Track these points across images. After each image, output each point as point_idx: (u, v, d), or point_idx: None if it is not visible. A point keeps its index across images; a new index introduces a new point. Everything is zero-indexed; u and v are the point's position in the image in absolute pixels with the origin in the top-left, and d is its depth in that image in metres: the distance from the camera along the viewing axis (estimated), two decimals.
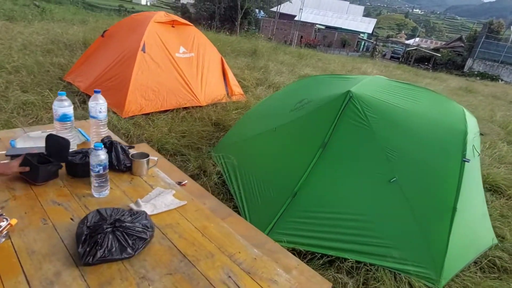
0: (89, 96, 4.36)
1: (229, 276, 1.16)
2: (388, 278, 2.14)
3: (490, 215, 3.09)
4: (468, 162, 2.23)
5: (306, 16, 43.73)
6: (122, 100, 4.12)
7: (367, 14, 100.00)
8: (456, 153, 2.28)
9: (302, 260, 2.25)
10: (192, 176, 3.08)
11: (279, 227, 2.38)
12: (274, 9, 43.30)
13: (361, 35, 41.09)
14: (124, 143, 2.12)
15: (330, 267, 2.25)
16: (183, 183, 2.26)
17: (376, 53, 38.17)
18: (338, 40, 38.89)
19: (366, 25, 42.58)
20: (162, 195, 1.56)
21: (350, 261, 2.23)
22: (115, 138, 2.25)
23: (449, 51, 32.09)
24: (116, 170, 1.69)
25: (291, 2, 42.86)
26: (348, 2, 49.98)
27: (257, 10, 49.05)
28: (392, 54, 40.03)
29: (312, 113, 2.80)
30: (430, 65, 30.95)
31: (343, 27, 41.92)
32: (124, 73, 4.27)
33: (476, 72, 25.75)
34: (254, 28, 40.38)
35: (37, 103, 3.93)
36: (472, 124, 2.61)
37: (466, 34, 36.59)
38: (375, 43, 37.45)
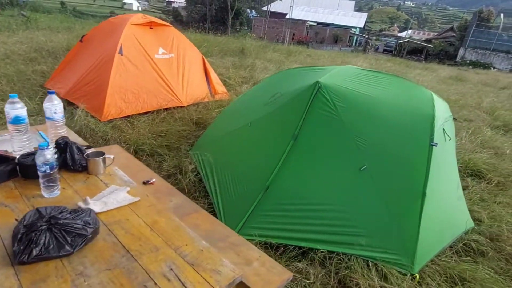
0: (69, 102, 4.35)
1: (171, 269, 1.14)
2: (361, 266, 2.13)
3: (470, 199, 3.09)
4: (435, 146, 2.21)
5: (297, 13, 43.79)
6: (101, 103, 4.10)
7: (358, 9, 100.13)
8: (424, 138, 2.27)
9: (275, 253, 2.25)
10: (168, 175, 3.07)
11: (252, 221, 2.36)
12: (265, 8, 43.42)
13: (353, 30, 41.11)
14: (85, 144, 2.11)
15: (304, 259, 2.23)
16: (151, 181, 2.25)
17: (369, 47, 38.25)
18: (330, 36, 38.90)
19: (358, 20, 42.63)
20: (115, 192, 1.54)
21: (323, 252, 2.22)
22: (79, 140, 2.24)
23: (441, 42, 32.15)
24: (71, 170, 1.67)
25: (281, 0, 42.93)
26: None
27: (248, 10, 49.16)
28: (385, 48, 40.09)
29: (283, 106, 2.79)
30: (422, 56, 30.98)
31: (334, 22, 41.97)
32: (102, 76, 4.25)
33: (468, 61, 25.79)
34: (246, 28, 40.43)
35: None
36: (442, 109, 2.60)
37: (457, 24, 36.65)
38: (367, 37, 37.48)
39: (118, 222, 1.35)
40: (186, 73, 5.03)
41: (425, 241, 2.22)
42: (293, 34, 38.34)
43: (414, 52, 33.45)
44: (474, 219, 2.74)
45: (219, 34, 16.52)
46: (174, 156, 3.27)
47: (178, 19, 44.09)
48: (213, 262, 1.20)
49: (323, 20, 42.93)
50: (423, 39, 39.82)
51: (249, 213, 2.38)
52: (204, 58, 5.43)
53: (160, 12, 69.45)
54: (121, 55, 4.34)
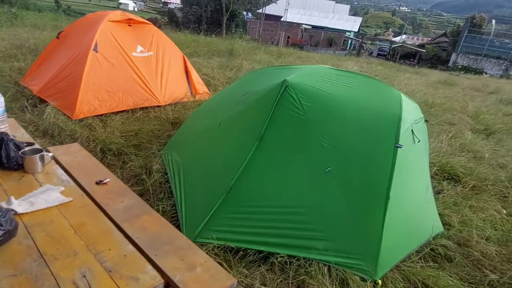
0: (42, 100, 4.23)
1: (84, 276, 1.05)
2: (321, 272, 2.05)
3: (444, 203, 3.03)
4: (400, 148, 2.15)
5: (292, 16, 43.89)
6: (73, 101, 3.98)
7: (354, 13, 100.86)
8: (390, 139, 2.20)
9: (234, 257, 2.15)
10: (135, 176, 2.97)
11: (213, 223, 2.27)
12: (261, 10, 43.49)
13: (347, 33, 41.29)
14: (32, 141, 2.01)
15: (264, 263, 2.15)
16: (105, 181, 2.14)
17: (363, 51, 38.44)
18: (325, 39, 39.04)
19: (352, 24, 42.86)
20: (47, 192, 1.45)
21: (284, 256, 2.13)
22: (26, 137, 2.13)
23: (434, 47, 32.40)
24: (6, 168, 1.57)
25: (276, 3, 43.00)
26: (334, 2, 50.28)
27: (244, 13, 49.25)
28: (379, 52, 40.33)
29: (251, 106, 2.71)
30: (415, 61, 31.20)
31: (329, 26, 42.13)
32: (75, 74, 4.13)
33: (460, 66, 26.00)
34: (241, 30, 40.44)
35: None
36: (411, 110, 2.54)
37: (450, 29, 37.03)
38: (361, 41, 37.67)
39: (41, 224, 1.26)
40: (165, 72, 4.93)
41: (389, 246, 2.15)
42: (288, 37, 38.44)
43: (407, 56, 33.70)
44: (444, 224, 2.67)
45: (213, 35, 16.43)
46: (142, 156, 3.17)
47: (173, 20, 43.97)
48: (134, 269, 1.12)
49: (318, 24, 43.08)
50: (417, 44, 40.16)
51: (210, 215, 2.28)
52: (185, 57, 5.34)
53: (156, 12, 69.35)
54: (96, 52, 4.23)
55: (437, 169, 3.63)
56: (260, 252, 2.19)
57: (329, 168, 2.24)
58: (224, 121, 2.92)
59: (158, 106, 4.61)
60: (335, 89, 2.49)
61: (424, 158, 2.76)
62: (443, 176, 3.58)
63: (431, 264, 2.30)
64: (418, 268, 2.22)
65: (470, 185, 3.41)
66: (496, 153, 4.37)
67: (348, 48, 41.04)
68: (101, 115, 4.11)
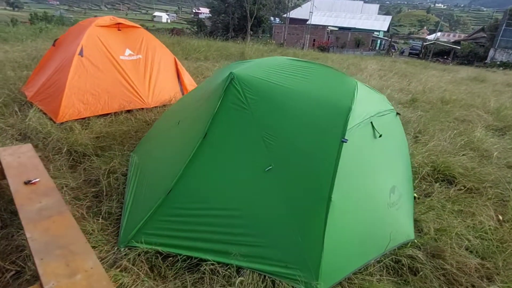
0: (32, 105, 4.36)
1: None
2: (255, 282, 1.83)
3: (429, 207, 2.67)
4: (345, 142, 1.88)
5: (318, 19, 43.38)
6: (58, 105, 4.06)
7: (386, 13, 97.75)
8: (336, 133, 1.93)
9: (163, 263, 2.01)
10: (97, 177, 2.90)
11: (149, 227, 2.13)
12: (286, 15, 43.40)
13: (376, 33, 39.95)
14: None
15: (197, 271, 1.96)
16: (33, 181, 2.09)
17: (393, 50, 36.93)
18: (352, 40, 38.05)
19: (381, 23, 41.44)
20: None
21: (215, 264, 1.94)
22: None
23: (470, 43, 30.39)
24: None
25: (301, 6, 42.70)
26: (362, 2, 48.97)
27: (272, 18, 49.47)
28: (411, 51, 38.55)
29: (204, 102, 2.56)
30: (449, 58, 29.39)
31: (356, 27, 41.06)
32: (62, 79, 4.22)
33: (498, 62, 24.07)
34: (268, 35, 40.57)
35: None
36: (370, 101, 2.24)
37: (488, 24, 34.57)
38: (390, 40, 36.22)
39: None
40: (154, 74, 4.92)
41: (336, 255, 1.89)
42: (314, 40, 37.95)
43: (441, 54, 31.85)
44: (420, 231, 2.33)
45: (238, 41, 16.45)
46: (109, 158, 3.12)
47: (202, 29, 45.15)
48: None
49: (344, 25, 42.16)
50: (452, 41, 37.88)
51: (146, 218, 2.14)
52: (177, 59, 5.31)
53: (186, 23, 71.57)
54: (82, 56, 4.30)
55: (430, 170, 3.23)
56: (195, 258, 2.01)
57: (270, 167, 2.02)
58: (182, 120, 2.80)
59: (143, 108, 4.60)
60: (285, 81, 2.26)
61: (395, 155, 2.43)
62: (437, 177, 3.18)
63: (392, 277, 1.99)
64: (374, 281, 1.92)
65: (466, 188, 2.99)
66: (508, 151, 3.84)
67: (377, 48, 39.67)
68: (85, 118, 4.15)
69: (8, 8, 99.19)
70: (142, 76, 4.81)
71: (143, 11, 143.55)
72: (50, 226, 1.71)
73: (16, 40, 9.88)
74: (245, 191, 2.06)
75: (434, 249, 2.15)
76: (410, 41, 50.48)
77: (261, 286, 1.83)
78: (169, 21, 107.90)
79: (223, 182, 2.14)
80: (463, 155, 3.56)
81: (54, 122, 3.96)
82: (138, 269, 1.97)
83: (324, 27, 39.21)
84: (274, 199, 1.98)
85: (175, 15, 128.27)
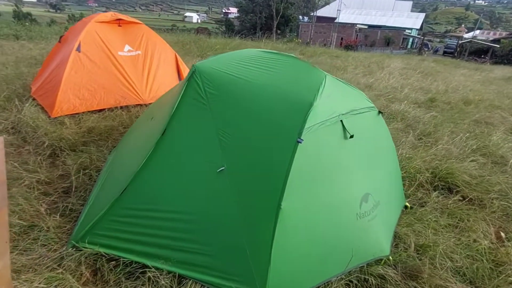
0: (33, 100, 4.45)
1: None
2: None
3: (418, 220, 2.36)
4: (300, 143, 1.65)
5: (347, 17, 42.26)
6: (54, 100, 4.10)
7: (421, 10, 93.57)
8: (293, 132, 1.71)
9: (108, 266, 1.89)
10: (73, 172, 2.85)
11: (99, 227, 2.02)
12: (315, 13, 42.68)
13: (408, 31, 38.21)
14: None
15: (138, 278, 1.82)
16: None
17: (425, 49, 35.11)
18: (382, 38, 36.63)
19: (414, 21, 39.58)
20: None
21: (161, 271, 1.79)
22: None
23: (511, 41, 28.21)
24: None
25: (329, 5, 41.75)
26: None
27: (300, 17, 48.94)
28: (445, 49, 36.52)
29: (172, 96, 2.42)
30: (486, 57, 27.46)
31: (387, 24, 39.48)
32: (59, 74, 4.26)
33: None
34: (294, 34, 40.13)
35: None
36: (343, 97, 1.99)
37: None
38: (423, 38, 34.47)
39: None
40: (152, 70, 4.87)
41: (287, 270, 1.68)
42: (341, 38, 36.99)
43: (478, 53, 29.86)
44: (399, 246, 2.04)
45: (262, 40, 16.27)
46: (87, 153, 3.07)
47: (230, 28, 45.51)
48: None
49: (375, 23, 40.70)
50: (491, 39, 35.42)
51: (98, 217, 2.03)
52: (177, 56, 5.24)
53: (214, 22, 72.62)
54: (79, 52, 4.32)
55: (430, 176, 2.89)
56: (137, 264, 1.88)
57: (222, 168, 1.83)
58: (154, 116, 2.67)
59: (140, 104, 4.56)
60: (250, 74, 2.06)
61: (374, 159, 2.15)
62: (436, 185, 2.84)
63: None
64: None
65: (467, 198, 2.63)
66: None
67: (408, 46, 37.92)
68: (80, 113, 4.16)
69: (51, 10, 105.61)
70: (140, 72, 4.78)
71: (175, 12, 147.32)
72: None
73: (41, 38, 10.34)
74: (196, 193, 1.90)
75: (410, 269, 1.86)
76: (446, 39, 47.85)
77: None
78: (199, 21, 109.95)
79: (175, 183, 1.98)
80: (472, 161, 3.17)
81: (49, 117, 4.01)
82: (81, 272, 1.86)
83: (353, 25, 38.03)
84: (224, 204, 1.80)
85: (205, 15, 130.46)
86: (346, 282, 1.80)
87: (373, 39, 36.63)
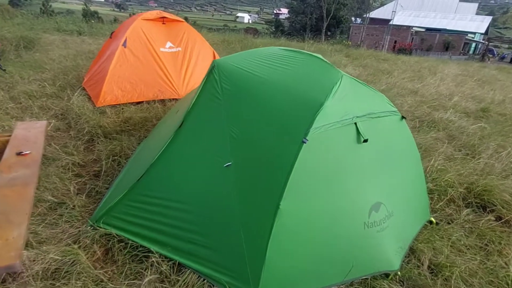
0: (83, 90, 4.85)
1: None
2: (191, 284, 1.71)
3: (442, 236, 2.18)
4: (305, 143, 1.60)
5: (403, 19, 40.12)
6: (100, 91, 4.45)
7: (489, 13, 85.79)
8: (300, 132, 1.67)
9: (112, 247, 2.01)
10: (108, 156, 3.05)
11: (116, 210, 2.16)
12: (369, 15, 41.17)
13: (471, 35, 35.23)
14: None
15: (145, 261, 1.92)
16: (24, 153, 2.28)
17: (490, 55, 32.07)
18: (440, 42, 34.21)
19: (478, 24, 36.35)
20: None
21: (163, 258, 1.87)
22: None
23: None
24: None
25: (383, 6, 39.89)
26: (458, 0, 43.64)
27: (353, 19, 47.55)
28: None
29: (195, 90, 2.50)
30: None
31: (447, 28, 36.74)
32: (106, 67, 4.60)
33: None
34: (345, 36, 39.08)
35: (35, 94, 4.54)
36: (360, 99, 1.88)
37: None
38: (487, 44, 31.56)
39: None
40: (191, 66, 5.06)
41: (282, 271, 1.65)
42: (395, 42, 35.21)
43: None
44: (413, 262, 1.90)
45: (311, 42, 16.13)
46: (119, 141, 3.28)
47: (279, 29, 45.67)
48: None
49: (433, 26, 38.11)
50: None
51: (116, 201, 2.17)
52: (215, 53, 5.38)
53: (264, 23, 73.25)
54: (125, 47, 4.63)
55: (463, 191, 2.65)
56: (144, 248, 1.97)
57: (229, 163, 1.86)
58: (180, 109, 2.78)
59: (176, 98, 4.76)
60: (265, 72, 2.05)
61: (392, 166, 2.01)
62: (469, 201, 2.59)
63: None
64: None
65: (504, 219, 2.36)
66: None
67: (470, 52, 34.94)
68: (122, 104, 4.46)
69: (115, 9, 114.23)
70: (179, 67, 4.99)
71: (228, 12, 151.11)
72: (9, 193, 1.83)
73: (101, 35, 11.23)
74: (204, 186, 1.94)
75: (419, 287, 1.72)
76: None
77: None
78: (250, 21, 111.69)
79: (187, 175, 2.05)
80: None
81: (94, 106, 4.35)
82: (94, 250, 2.01)
83: (408, 27, 36.00)
84: (228, 199, 1.82)
85: (256, 15, 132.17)
86: None
87: (430, 43, 34.35)
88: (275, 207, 1.60)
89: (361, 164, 1.86)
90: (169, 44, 5.00)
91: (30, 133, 2.61)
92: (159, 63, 4.78)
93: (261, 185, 1.73)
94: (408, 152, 2.21)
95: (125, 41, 4.64)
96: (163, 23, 5.10)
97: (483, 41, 35.69)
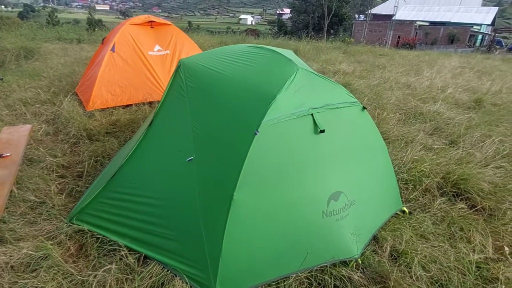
0: (75, 95, 4.98)
1: None
2: (156, 274, 1.76)
3: (414, 224, 2.20)
4: (256, 134, 1.64)
5: (406, 14, 39.71)
6: (90, 95, 4.56)
7: (497, 4, 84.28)
8: (254, 124, 1.71)
9: (86, 242, 2.07)
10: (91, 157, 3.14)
11: (90, 207, 2.23)
12: (372, 11, 40.90)
13: (477, 27, 34.64)
14: None
15: (114, 255, 1.98)
16: (5, 155, 2.37)
17: (498, 46, 31.48)
18: (445, 36, 33.73)
19: (484, 16, 35.70)
20: None
21: (133, 252, 1.93)
22: None
23: None
24: None
25: (384, 3, 39.57)
26: None
27: (356, 15, 47.30)
28: None
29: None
30: None
31: (452, 20, 36.21)
32: (96, 72, 4.72)
33: None
34: (348, 33, 38.90)
35: (29, 100, 4.67)
36: (317, 90, 1.91)
37: None
38: (493, 34, 31.00)
39: None
40: None
41: (240, 261, 1.69)
42: (399, 37, 34.86)
43: None
44: (377, 250, 1.91)
45: (314, 40, 16.09)
46: (102, 142, 3.36)
47: (282, 29, 45.67)
48: None
49: (438, 19, 37.59)
50: None
51: (91, 198, 2.24)
52: None
53: (267, 23, 73.42)
54: (113, 52, 4.74)
55: (440, 181, 2.64)
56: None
57: (191, 158, 1.91)
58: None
59: None
60: (227, 68, 2.09)
61: (353, 156, 2.02)
62: (445, 190, 2.58)
63: None
64: None
65: (478, 207, 2.35)
66: None
67: (477, 44, 34.36)
68: (112, 107, 4.56)
69: (120, 17, 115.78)
70: (168, 70, 5.07)
71: (231, 15, 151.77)
72: None
73: (100, 42, 11.45)
74: (168, 181, 2.00)
75: (379, 274, 1.74)
76: None
77: (155, 280, 1.74)
78: (253, 23, 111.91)
79: (154, 171, 2.11)
80: (497, 167, 2.81)
81: (85, 110, 4.46)
82: (68, 246, 2.08)
83: (411, 22, 35.62)
84: (188, 193, 1.87)
85: (259, 17, 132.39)
86: (307, 281, 1.75)
87: (434, 37, 33.90)
88: (229, 198, 1.65)
89: (320, 154, 1.89)
90: (157, 47, 5.09)
91: (14, 137, 2.71)
92: (147, 66, 4.88)
93: (219, 178, 1.77)
94: (372, 142, 2.22)
95: (113, 46, 4.75)
96: (152, 27, 5.20)
97: (490, 33, 35.07)
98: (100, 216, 2.15)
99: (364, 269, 1.80)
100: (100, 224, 2.13)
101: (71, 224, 2.20)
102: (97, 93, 4.54)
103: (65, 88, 5.37)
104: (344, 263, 1.83)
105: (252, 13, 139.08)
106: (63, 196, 2.56)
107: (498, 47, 31.46)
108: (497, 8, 39.38)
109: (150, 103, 4.76)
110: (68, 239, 2.12)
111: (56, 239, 2.12)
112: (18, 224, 2.22)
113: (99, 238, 2.08)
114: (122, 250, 1.94)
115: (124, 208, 2.10)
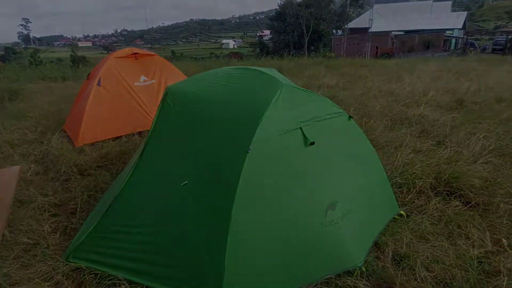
0: (63, 132, 4.96)
1: None
2: None
3: (412, 227, 2.21)
4: (248, 152, 1.67)
5: (381, 25, 41.24)
6: (78, 131, 4.55)
7: (465, 8, 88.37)
8: (245, 144, 1.74)
9: (84, 280, 2.02)
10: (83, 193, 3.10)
11: (85, 244, 2.18)
12: (351, 26, 42.44)
13: (449, 32, 36.15)
14: None
15: None
16: None
17: (472, 48, 32.77)
18: (420, 43, 35.05)
19: (455, 20, 37.42)
20: None
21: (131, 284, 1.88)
22: None
23: None
24: None
25: (359, 17, 41.15)
26: (431, 1, 45.07)
27: (334, 31, 48.89)
28: (494, 46, 33.72)
29: None
30: None
31: (426, 28, 37.75)
32: (83, 107, 4.74)
33: None
34: (328, 48, 40.10)
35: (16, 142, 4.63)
36: (299, 107, 1.96)
37: None
38: (466, 37, 32.35)
39: None
40: None
41: (245, 280, 1.66)
42: (376, 47, 36.04)
43: None
44: (379, 257, 1.91)
45: (296, 57, 16.49)
46: (94, 177, 3.33)
47: (264, 50, 46.71)
48: None
49: (412, 28, 39.15)
50: None
51: (85, 236, 2.20)
52: None
53: (248, 46, 75.15)
54: (99, 86, 4.78)
55: (433, 181, 2.69)
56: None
57: (185, 182, 1.91)
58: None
59: None
60: (213, 91, 2.14)
61: (344, 165, 2.06)
62: (438, 190, 2.62)
63: None
64: None
65: (472, 203, 2.39)
66: None
67: (451, 48, 35.74)
68: (101, 141, 4.54)
69: (103, 52, 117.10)
70: (155, 99, 5.11)
71: (213, 41, 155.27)
72: None
73: (85, 78, 11.53)
74: (164, 208, 1.98)
75: (384, 280, 1.73)
76: (498, 36, 44.37)
77: None
78: (235, 46, 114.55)
79: (148, 199, 2.09)
80: (485, 162, 2.88)
81: (75, 146, 4.43)
82: (66, 286, 2.02)
83: (387, 33, 36.98)
84: (185, 217, 1.86)
85: (241, 40, 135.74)
86: None
87: (410, 45, 35.17)
88: (228, 219, 1.64)
89: (312, 166, 1.91)
90: (143, 78, 5.16)
91: (2, 180, 2.66)
92: (134, 97, 4.92)
93: (215, 199, 1.77)
94: (361, 149, 2.27)
95: (99, 81, 4.80)
96: (136, 59, 5.29)
97: (462, 36, 36.61)
98: (97, 251, 2.11)
99: (369, 277, 1.79)
100: (97, 260, 2.07)
101: (67, 263, 2.14)
102: (85, 128, 4.53)
103: (52, 126, 5.34)
104: (349, 273, 1.82)
105: (233, 37, 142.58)
106: (57, 235, 2.50)
107: (471, 49, 32.76)
108: (466, 12, 41.31)
109: (140, 133, 4.77)
110: (66, 279, 2.06)
111: (52, 280, 2.06)
112: (12, 269, 2.15)
113: (97, 274, 2.02)
114: (123, 283, 1.89)
115: (121, 240, 2.06)
